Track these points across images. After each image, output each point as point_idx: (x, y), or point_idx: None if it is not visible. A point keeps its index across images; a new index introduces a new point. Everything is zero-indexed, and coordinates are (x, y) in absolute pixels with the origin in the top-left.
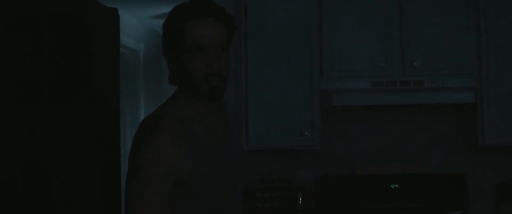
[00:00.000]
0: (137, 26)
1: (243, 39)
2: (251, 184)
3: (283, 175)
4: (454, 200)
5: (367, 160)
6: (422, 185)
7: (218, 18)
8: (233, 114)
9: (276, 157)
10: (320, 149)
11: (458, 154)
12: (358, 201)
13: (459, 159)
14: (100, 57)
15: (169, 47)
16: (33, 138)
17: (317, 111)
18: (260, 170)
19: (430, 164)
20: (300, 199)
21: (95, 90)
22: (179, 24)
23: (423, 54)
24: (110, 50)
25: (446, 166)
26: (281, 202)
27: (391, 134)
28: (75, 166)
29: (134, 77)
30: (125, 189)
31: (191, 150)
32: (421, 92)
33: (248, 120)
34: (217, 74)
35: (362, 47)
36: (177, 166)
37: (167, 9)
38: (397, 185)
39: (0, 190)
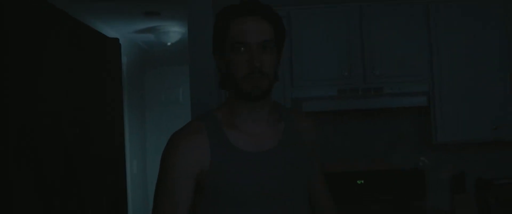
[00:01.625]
0: (120, 40)
1: None
2: None
3: None
4: (414, 192)
5: (336, 159)
6: (385, 180)
7: (262, 17)
8: None
9: None
10: None
11: (416, 151)
12: None
13: (418, 155)
14: (109, 77)
15: (216, 48)
16: (68, 153)
17: None
18: None
19: (392, 160)
20: None
21: (107, 106)
22: (224, 22)
23: (382, 63)
24: (115, 71)
25: (407, 162)
26: None
27: (356, 135)
28: (91, 169)
29: None
30: None
31: (215, 154)
32: (381, 97)
33: None
34: (259, 72)
35: (328, 59)
36: (196, 167)
37: (147, 24)
38: (363, 181)
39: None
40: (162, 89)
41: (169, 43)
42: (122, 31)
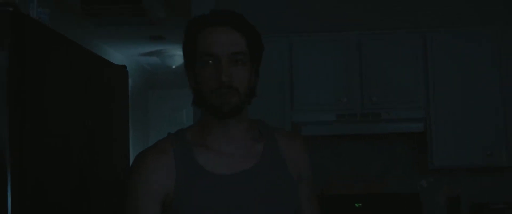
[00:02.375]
0: (125, 62)
1: None
2: None
3: None
4: None
5: (334, 182)
6: (383, 203)
7: (233, 27)
8: None
9: None
10: None
11: (413, 175)
12: None
13: (414, 179)
14: (115, 102)
15: (187, 63)
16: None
17: None
18: None
19: (389, 184)
20: None
21: (115, 128)
22: (193, 33)
23: (379, 90)
24: (123, 96)
25: (403, 186)
26: None
27: (354, 159)
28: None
29: None
30: None
31: (181, 176)
32: (378, 123)
33: None
34: (227, 87)
35: (327, 85)
36: (161, 190)
37: (153, 48)
38: (360, 204)
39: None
40: (166, 111)
41: (173, 66)
42: (128, 54)
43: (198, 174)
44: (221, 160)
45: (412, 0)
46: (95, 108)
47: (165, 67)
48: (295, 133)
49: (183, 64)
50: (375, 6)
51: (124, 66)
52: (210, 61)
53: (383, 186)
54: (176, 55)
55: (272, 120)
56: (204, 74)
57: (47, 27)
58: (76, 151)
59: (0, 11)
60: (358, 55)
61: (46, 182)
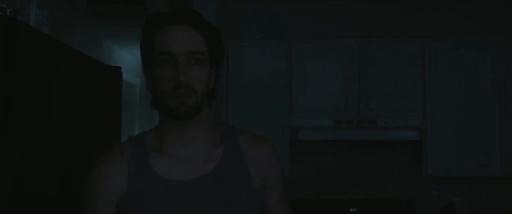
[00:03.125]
0: (134, 62)
1: (225, 82)
2: None
3: None
4: None
5: (330, 187)
6: (378, 209)
7: (192, 26)
8: None
9: None
10: (288, 177)
11: (407, 182)
12: None
13: (409, 187)
14: (111, 102)
15: (144, 63)
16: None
17: (286, 144)
18: None
19: (384, 191)
20: None
21: (108, 129)
22: (150, 33)
23: (377, 97)
24: (116, 97)
25: (398, 193)
26: None
27: (351, 165)
28: None
29: (131, 109)
30: None
31: (133, 180)
32: (375, 130)
33: None
34: (185, 88)
35: (325, 91)
36: (114, 195)
37: None
38: (355, 209)
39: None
40: None
41: None
42: (137, 54)
43: (151, 179)
44: (176, 165)
45: (411, 9)
46: (87, 109)
47: None
48: (261, 137)
49: (141, 65)
50: (374, 14)
51: (118, 68)
52: (167, 61)
53: (379, 192)
54: None
55: (270, 125)
56: (160, 75)
57: (39, 31)
58: (69, 153)
59: None
60: (357, 62)
61: (36, 185)
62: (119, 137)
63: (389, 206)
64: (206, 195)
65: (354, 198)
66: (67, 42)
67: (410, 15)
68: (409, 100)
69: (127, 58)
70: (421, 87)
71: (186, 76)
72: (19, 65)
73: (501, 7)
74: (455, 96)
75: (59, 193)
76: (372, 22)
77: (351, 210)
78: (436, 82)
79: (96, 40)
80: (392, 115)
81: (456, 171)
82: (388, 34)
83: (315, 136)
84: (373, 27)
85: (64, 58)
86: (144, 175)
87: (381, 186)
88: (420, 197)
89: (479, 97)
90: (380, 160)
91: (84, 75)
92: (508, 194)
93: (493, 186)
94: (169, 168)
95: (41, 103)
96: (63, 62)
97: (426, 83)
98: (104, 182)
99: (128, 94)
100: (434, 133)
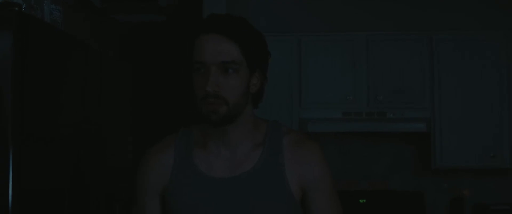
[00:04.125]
0: None
1: None
2: None
3: None
4: None
5: (339, 178)
6: (386, 200)
7: (226, 35)
8: None
9: None
10: None
11: (417, 174)
12: None
13: (418, 178)
14: (122, 96)
15: (188, 68)
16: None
17: None
18: None
19: (393, 182)
20: None
21: (120, 122)
22: (190, 40)
23: (386, 89)
24: (127, 91)
25: (406, 185)
26: None
27: (360, 156)
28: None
29: None
30: None
31: (175, 173)
32: (384, 122)
33: None
34: (214, 97)
35: (334, 83)
36: (158, 182)
37: None
38: (365, 200)
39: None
40: None
41: None
42: None
43: (192, 174)
44: (217, 163)
45: (419, 2)
46: (99, 102)
47: None
48: (306, 139)
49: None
50: (383, 8)
51: (130, 64)
52: (199, 69)
53: (388, 183)
54: None
55: (281, 117)
56: (195, 82)
57: (53, 26)
58: (79, 147)
59: (8, 11)
60: (365, 55)
61: (47, 178)
62: (128, 132)
63: (398, 197)
64: (239, 194)
65: (363, 189)
66: (80, 38)
67: (419, 8)
68: (418, 92)
69: None
70: (429, 79)
71: (214, 87)
72: (33, 60)
73: (507, 1)
74: (463, 88)
75: (70, 189)
76: (381, 16)
77: (361, 201)
78: (445, 75)
79: (109, 35)
80: (401, 106)
81: (465, 162)
82: (397, 27)
83: (324, 128)
84: (382, 20)
85: (77, 54)
86: (186, 169)
87: (390, 177)
88: (429, 188)
89: (488, 89)
90: (389, 152)
91: (97, 70)
92: None
93: (502, 177)
94: (210, 165)
95: (53, 98)
96: (76, 57)
97: (434, 75)
98: (149, 173)
99: None
100: (443, 124)
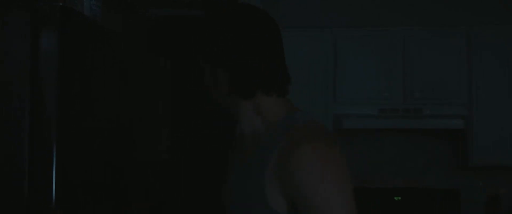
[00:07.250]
0: None
1: None
2: None
3: None
4: (449, 212)
5: (374, 175)
6: (422, 198)
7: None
8: None
9: None
10: None
11: (452, 171)
12: (368, 211)
13: (453, 176)
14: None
15: None
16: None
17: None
18: None
19: (428, 180)
20: None
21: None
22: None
23: (422, 86)
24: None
25: (442, 182)
26: None
27: (394, 153)
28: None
29: None
30: None
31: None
32: (420, 118)
33: None
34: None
35: (370, 79)
36: None
37: None
38: (400, 198)
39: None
40: None
41: None
42: None
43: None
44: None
45: None
46: (137, 96)
47: None
48: (303, 139)
49: None
50: (420, 3)
51: (165, 60)
52: None
53: (422, 181)
54: None
55: (315, 112)
56: None
57: (92, 20)
58: (116, 141)
59: (51, 6)
60: (401, 50)
61: (87, 172)
62: (166, 127)
63: (434, 195)
64: (232, 192)
65: (398, 186)
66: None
67: (456, 2)
68: (455, 89)
69: None
70: (466, 75)
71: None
72: (76, 55)
73: None
74: (501, 85)
75: (110, 185)
76: (417, 11)
77: (396, 198)
78: (483, 71)
79: (142, 30)
80: (437, 103)
81: (502, 160)
82: (434, 22)
83: (359, 124)
84: (418, 15)
85: (116, 49)
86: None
87: (425, 175)
88: (465, 186)
89: None
90: (424, 149)
91: (135, 64)
92: None
93: None
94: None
95: (93, 93)
96: (115, 52)
97: (472, 71)
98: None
99: None
100: (480, 121)
